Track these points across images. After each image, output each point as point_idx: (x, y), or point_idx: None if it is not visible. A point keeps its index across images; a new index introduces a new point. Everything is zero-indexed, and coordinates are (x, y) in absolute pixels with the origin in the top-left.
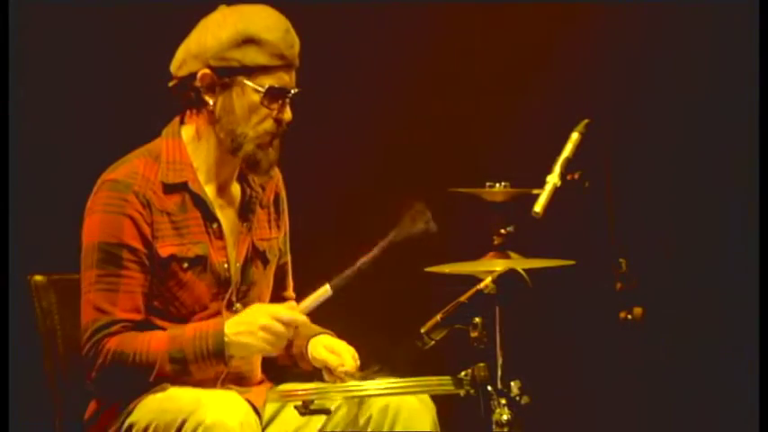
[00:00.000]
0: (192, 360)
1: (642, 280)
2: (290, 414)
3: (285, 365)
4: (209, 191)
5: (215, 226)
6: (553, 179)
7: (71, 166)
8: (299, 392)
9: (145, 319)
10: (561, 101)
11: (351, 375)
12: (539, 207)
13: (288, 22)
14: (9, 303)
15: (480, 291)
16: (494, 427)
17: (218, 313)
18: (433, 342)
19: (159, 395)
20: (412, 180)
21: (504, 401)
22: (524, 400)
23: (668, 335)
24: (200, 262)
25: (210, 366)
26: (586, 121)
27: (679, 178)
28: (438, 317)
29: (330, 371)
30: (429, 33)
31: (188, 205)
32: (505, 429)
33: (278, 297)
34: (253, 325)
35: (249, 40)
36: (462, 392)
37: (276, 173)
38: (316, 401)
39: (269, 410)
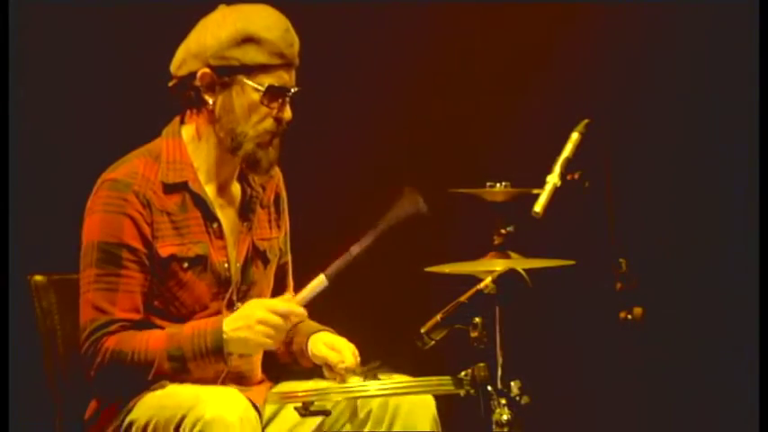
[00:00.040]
0: (191, 358)
1: (642, 280)
2: (290, 412)
3: (285, 363)
4: (210, 190)
5: (215, 226)
6: (553, 179)
7: (71, 166)
8: (300, 394)
9: (144, 318)
10: (561, 101)
11: (351, 372)
12: (539, 207)
13: (287, 21)
14: (9, 303)
15: (480, 291)
16: (494, 427)
17: (218, 313)
18: (432, 342)
19: (158, 392)
20: (412, 180)
21: (504, 401)
22: (524, 400)
23: (668, 335)
24: (200, 262)
25: (209, 364)
26: (586, 121)
27: (679, 178)
28: (438, 317)
29: (330, 368)
30: (429, 33)
31: (188, 205)
32: (505, 429)
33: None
34: (250, 319)
35: (249, 39)
36: (462, 392)
37: (276, 172)
38: (316, 403)
39: (269, 411)
